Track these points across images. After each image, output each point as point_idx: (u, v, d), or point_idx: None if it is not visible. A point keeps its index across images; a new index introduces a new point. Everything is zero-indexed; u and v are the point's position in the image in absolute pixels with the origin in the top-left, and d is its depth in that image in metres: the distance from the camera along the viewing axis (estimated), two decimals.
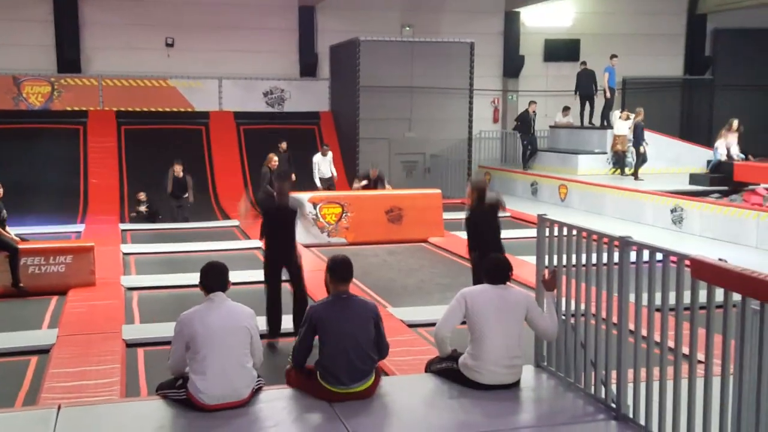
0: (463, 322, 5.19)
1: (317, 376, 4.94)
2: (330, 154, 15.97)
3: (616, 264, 4.80)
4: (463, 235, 8.32)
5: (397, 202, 13.35)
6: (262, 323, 6.48)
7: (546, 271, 5.46)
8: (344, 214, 13.04)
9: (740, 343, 3.80)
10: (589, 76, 19.03)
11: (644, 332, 4.61)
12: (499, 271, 5.23)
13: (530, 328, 5.30)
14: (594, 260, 5.06)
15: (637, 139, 16.92)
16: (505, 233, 8.02)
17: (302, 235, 8.94)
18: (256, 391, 4.98)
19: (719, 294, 3.98)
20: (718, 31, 23.47)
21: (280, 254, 7.38)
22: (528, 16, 22.09)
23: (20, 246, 9.46)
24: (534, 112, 19.58)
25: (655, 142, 17.83)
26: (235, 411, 4.77)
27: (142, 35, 19.21)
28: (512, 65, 22.10)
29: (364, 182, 14.68)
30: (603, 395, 4.96)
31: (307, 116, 20.08)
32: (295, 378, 5.14)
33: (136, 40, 19.19)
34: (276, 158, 14.33)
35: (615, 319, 4.81)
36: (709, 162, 16.89)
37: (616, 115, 18.21)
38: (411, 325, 7.78)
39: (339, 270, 5.02)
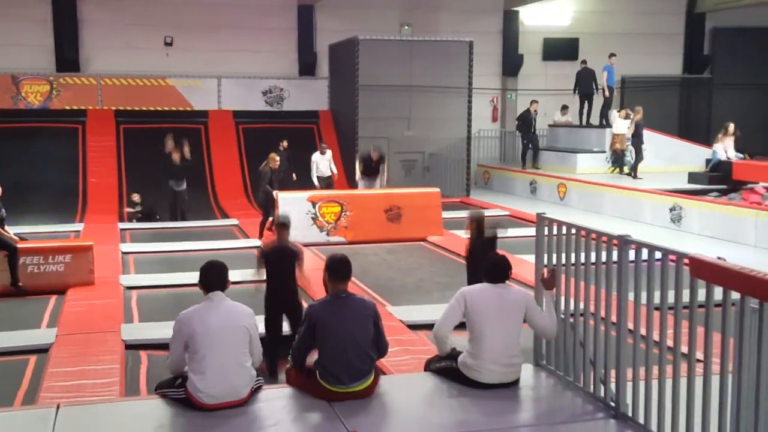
0: (462, 323, 5.20)
1: (316, 376, 4.93)
2: (329, 152, 15.83)
3: (615, 263, 4.79)
4: (463, 234, 8.32)
5: (396, 201, 13.34)
6: (262, 324, 6.47)
7: (545, 270, 5.46)
8: (343, 213, 13.03)
9: (739, 341, 3.81)
10: (590, 74, 19.02)
11: (643, 331, 4.62)
12: (498, 271, 5.23)
13: (529, 326, 5.30)
14: (593, 259, 5.06)
15: (639, 138, 16.92)
16: (504, 233, 8.03)
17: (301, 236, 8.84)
18: (255, 391, 4.98)
19: (718, 293, 3.98)
20: (717, 29, 23.47)
21: (280, 300, 6.87)
22: (527, 15, 22.10)
23: (19, 245, 9.46)
24: (535, 111, 19.61)
25: (653, 140, 17.85)
26: (234, 410, 4.76)
27: (141, 34, 19.20)
28: (511, 64, 22.12)
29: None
30: (602, 394, 4.96)
31: (307, 115, 20.06)
32: (295, 377, 5.14)
33: (135, 40, 19.17)
34: (278, 158, 14.22)
35: (614, 318, 4.81)
36: (708, 161, 16.89)
37: (615, 113, 18.22)
38: (410, 325, 7.78)
39: (338, 269, 5.01)
